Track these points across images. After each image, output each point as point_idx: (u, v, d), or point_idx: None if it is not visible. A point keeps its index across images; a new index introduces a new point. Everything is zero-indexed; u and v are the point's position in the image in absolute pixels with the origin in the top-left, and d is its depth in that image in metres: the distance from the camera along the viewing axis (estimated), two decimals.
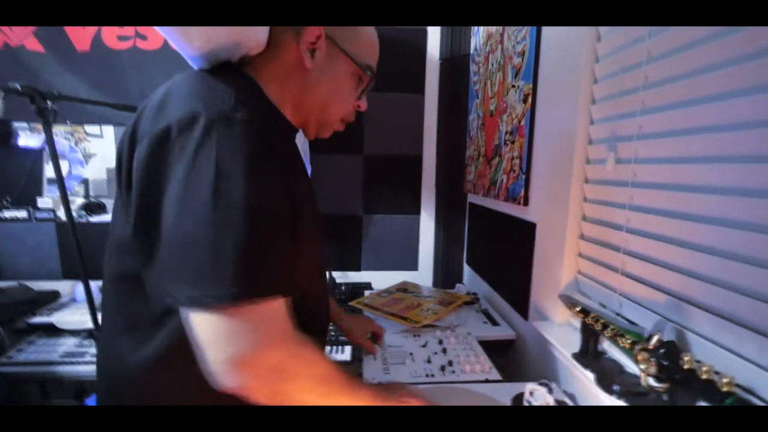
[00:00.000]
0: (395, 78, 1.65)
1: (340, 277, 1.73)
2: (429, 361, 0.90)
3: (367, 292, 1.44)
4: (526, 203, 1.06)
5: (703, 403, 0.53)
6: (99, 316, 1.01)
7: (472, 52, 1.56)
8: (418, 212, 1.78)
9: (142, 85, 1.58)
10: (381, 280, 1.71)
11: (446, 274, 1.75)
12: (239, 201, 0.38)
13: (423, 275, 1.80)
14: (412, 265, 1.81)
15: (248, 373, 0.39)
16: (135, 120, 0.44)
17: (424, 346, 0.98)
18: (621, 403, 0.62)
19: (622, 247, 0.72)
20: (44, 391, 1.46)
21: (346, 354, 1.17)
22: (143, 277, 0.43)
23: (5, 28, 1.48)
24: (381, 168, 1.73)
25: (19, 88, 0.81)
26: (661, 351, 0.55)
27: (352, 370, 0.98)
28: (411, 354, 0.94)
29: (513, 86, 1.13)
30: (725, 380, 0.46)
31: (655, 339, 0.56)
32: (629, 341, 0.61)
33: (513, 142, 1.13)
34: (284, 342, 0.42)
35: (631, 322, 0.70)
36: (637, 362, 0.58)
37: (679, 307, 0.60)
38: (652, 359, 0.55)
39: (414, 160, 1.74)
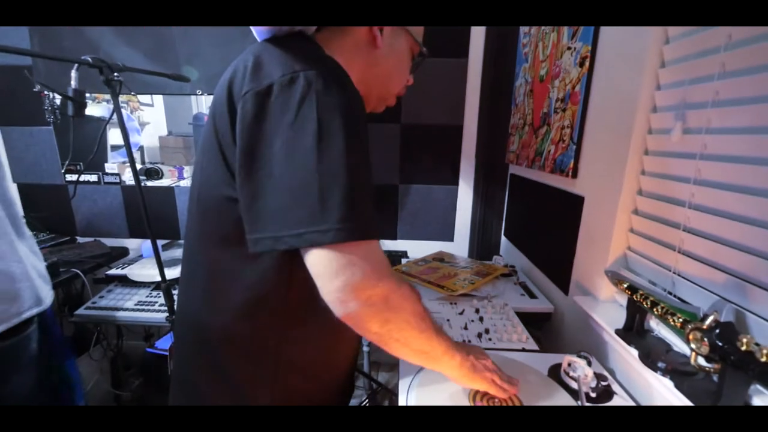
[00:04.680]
0: (438, 42, 1.57)
1: None
2: (466, 328, 0.93)
3: (403, 260, 1.47)
4: (575, 176, 1.01)
5: (759, 387, 0.51)
6: (164, 271, 1.13)
7: None
8: (456, 183, 1.75)
9: (189, 54, 1.63)
10: (417, 249, 1.74)
11: (483, 245, 1.74)
12: (342, 149, 0.41)
13: (459, 246, 1.80)
14: (448, 235, 1.81)
15: (361, 300, 0.43)
16: (228, 86, 0.47)
17: (461, 313, 1.01)
18: (665, 380, 0.62)
19: (683, 224, 0.68)
20: (120, 332, 1.69)
21: None
22: (244, 224, 0.46)
23: None
24: (419, 137, 1.70)
25: (91, 60, 0.87)
26: (717, 331, 0.53)
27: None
28: (448, 320, 0.97)
29: (569, 48, 1.04)
30: None
31: (710, 318, 0.54)
32: (681, 320, 0.59)
33: (564, 110, 1.06)
34: (390, 276, 0.45)
35: (684, 302, 0.67)
36: (688, 342, 0.56)
37: (741, 287, 0.57)
38: (705, 339, 0.53)
39: (454, 129, 1.69)
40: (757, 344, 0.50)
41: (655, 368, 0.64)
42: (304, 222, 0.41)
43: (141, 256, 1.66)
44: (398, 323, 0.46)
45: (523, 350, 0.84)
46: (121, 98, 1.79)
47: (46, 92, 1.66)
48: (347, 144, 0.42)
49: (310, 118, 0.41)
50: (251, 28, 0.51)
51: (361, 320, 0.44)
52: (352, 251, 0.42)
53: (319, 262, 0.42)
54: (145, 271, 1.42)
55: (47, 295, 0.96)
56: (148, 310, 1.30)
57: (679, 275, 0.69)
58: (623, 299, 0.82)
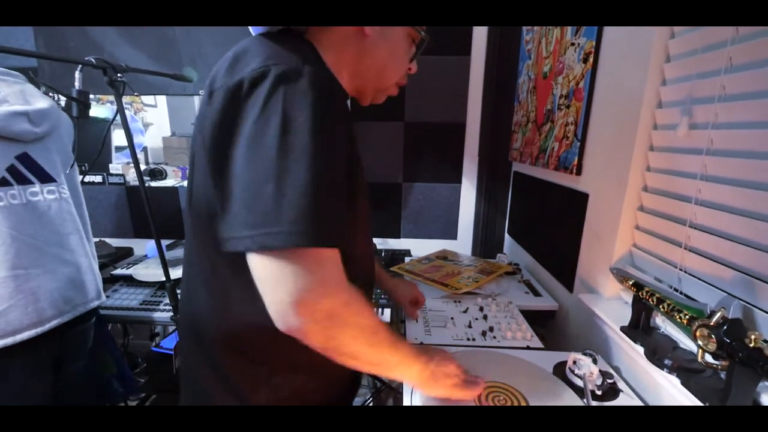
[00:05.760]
0: (440, 39, 1.56)
1: (380, 243, 1.78)
2: (470, 326, 0.92)
3: (407, 259, 1.47)
4: (579, 173, 1.00)
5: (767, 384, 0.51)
6: (169, 270, 1.13)
7: None
8: (459, 181, 1.75)
9: (192, 54, 1.63)
10: (420, 247, 1.74)
11: (486, 244, 1.73)
12: (304, 149, 0.39)
13: (462, 244, 1.80)
14: (451, 234, 1.80)
15: (305, 316, 0.39)
16: (211, 82, 0.46)
17: (465, 311, 1.01)
18: (672, 377, 0.61)
19: (689, 220, 0.67)
20: (126, 331, 1.70)
21: (385, 316, 1.23)
22: (218, 228, 0.45)
23: None
24: (422, 135, 1.70)
25: (94, 61, 0.88)
26: (724, 327, 0.52)
27: (393, 330, 1.04)
28: (452, 318, 0.96)
29: (572, 44, 1.04)
30: None
31: (717, 315, 0.54)
32: (687, 317, 0.59)
33: (568, 107, 1.06)
34: (339, 290, 0.42)
35: (691, 298, 0.67)
36: (694, 339, 0.56)
37: (748, 283, 0.56)
38: (712, 336, 0.53)
39: (457, 127, 1.69)
40: (765, 341, 0.49)
41: (661, 366, 0.64)
42: (259, 223, 0.38)
43: (146, 256, 1.67)
44: (344, 339, 0.43)
45: (528, 348, 0.84)
46: (125, 99, 1.79)
47: (50, 94, 1.67)
48: (313, 141, 0.39)
49: (275, 112, 0.39)
50: (250, 27, 0.51)
51: (303, 335, 0.41)
52: (298, 260, 0.38)
53: (261, 267, 0.39)
54: (150, 270, 1.43)
55: (102, 291, 1.09)
56: (154, 310, 1.31)
57: (685, 272, 0.68)
58: (629, 296, 0.82)
